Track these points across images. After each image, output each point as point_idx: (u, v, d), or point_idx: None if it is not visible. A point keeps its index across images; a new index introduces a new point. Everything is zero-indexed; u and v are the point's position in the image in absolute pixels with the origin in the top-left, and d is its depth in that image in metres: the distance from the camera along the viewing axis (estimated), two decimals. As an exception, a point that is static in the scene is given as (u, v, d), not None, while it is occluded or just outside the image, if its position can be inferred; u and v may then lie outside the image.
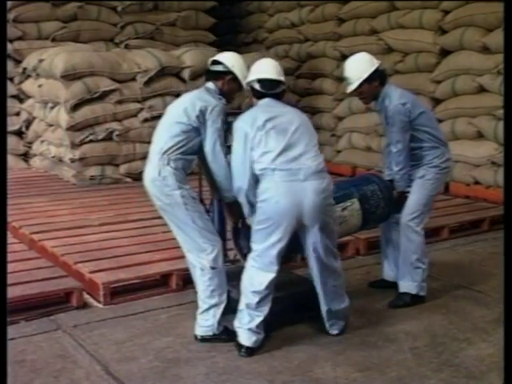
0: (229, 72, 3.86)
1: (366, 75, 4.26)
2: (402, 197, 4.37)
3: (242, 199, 3.70)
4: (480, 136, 7.55)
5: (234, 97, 4.05)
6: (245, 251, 3.95)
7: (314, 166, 3.59)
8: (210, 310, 3.73)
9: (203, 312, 3.76)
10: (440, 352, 3.66)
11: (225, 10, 11.97)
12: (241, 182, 3.66)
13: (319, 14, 9.99)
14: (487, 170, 7.39)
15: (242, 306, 3.64)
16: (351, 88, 4.33)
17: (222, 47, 10.41)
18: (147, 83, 8.24)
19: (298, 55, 10.34)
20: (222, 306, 3.75)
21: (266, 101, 3.75)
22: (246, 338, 3.61)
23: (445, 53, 8.07)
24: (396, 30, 8.64)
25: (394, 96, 4.33)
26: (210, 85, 3.89)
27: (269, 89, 3.75)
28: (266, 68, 3.81)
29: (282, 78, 3.81)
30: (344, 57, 9.31)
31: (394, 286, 4.49)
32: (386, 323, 4.06)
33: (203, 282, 3.73)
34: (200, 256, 3.71)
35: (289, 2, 10.62)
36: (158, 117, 8.47)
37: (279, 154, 3.55)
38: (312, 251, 3.68)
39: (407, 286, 4.36)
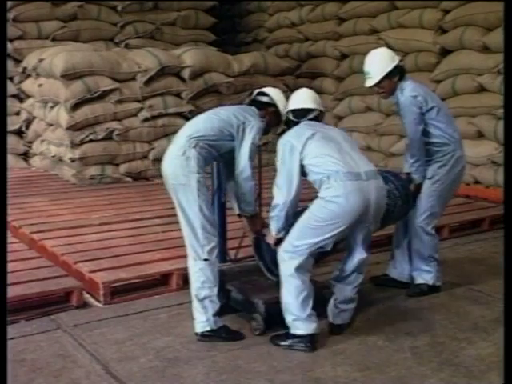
0: (273, 105, 4.07)
1: (387, 70, 4.31)
2: (419, 189, 4.40)
3: (281, 214, 3.73)
4: (480, 135, 7.55)
5: (271, 130, 4.21)
6: (268, 265, 3.99)
7: (371, 167, 3.77)
8: (203, 302, 3.72)
9: (196, 305, 3.74)
10: (440, 351, 3.66)
11: (225, 10, 11.97)
12: (285, 196, 3.71)
13: (319, 13, 10.00)
14: (487, 169, 7.39)
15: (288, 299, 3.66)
16: (372, 82, 4.37)
17: (222, 47, 10.44)
18: (147, 83, 8.24)
19: (298, 55, 10.34)
20: (215, 300, 3.73)
21: (305, 122, 3.90)
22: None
23: (445, 52, 8.07)
24: (396, 29, 8.65)
25: (407, 89, 4.37)
26: (255, 109, 4.05)
27: (301, 117, 3.93)
28: (299, 98, 4.00)
29: (314, 106, 3.96)
30: (344, 56, 9.38)
31: (397, 285, 4.52)
32: (386, 323, 4.06)
33: (194, 273, 3.74)
34: (194, 245, 3.72)
35: (289, 2, 10.63)
36: (158, 116, 8.61)
37: (338, 158, 3.66)
38: (361, 244, 3.81)
39: (423, 277, 4.50)
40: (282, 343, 3.68)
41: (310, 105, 3.97)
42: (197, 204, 3.70)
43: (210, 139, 3.84)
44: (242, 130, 3.87)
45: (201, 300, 3.74)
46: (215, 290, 3.76)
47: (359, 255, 3.83)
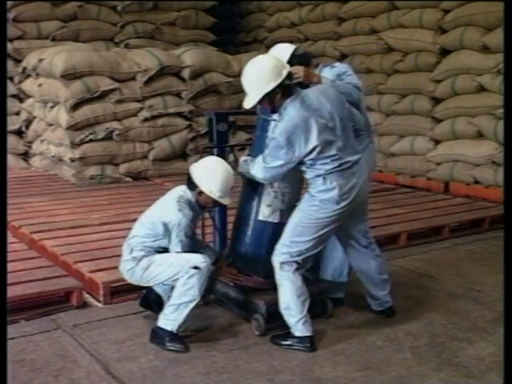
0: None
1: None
2: None
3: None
4: (480, 135, 7.55)
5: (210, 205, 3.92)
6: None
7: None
8: (180, 306, 3.67)
9: (172, 305, 3.68)
10: (440, 351, 3.66)
11: (225, 10, 11.97)
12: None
13: (319, 13, 9.99)
14: (487, 169, 7.39)
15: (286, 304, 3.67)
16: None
17: (222, 47, 10.44)
18: (147, 83, 8.24)
19: (298, 55, 10.32)
20: (191, 306, 3.66)
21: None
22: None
23: (445, 52, 8.07)
24: (396, 29, 8.65)
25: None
26: (185, 192, 3.87)
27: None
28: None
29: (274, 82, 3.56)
30: (344, 56, 9.38)
31: None
32: (386, 323, 4.05)
33: (183, 278, 3.65)
34: (188, 260, 3.68)
35: (289, 2, 10.62)
36: (158, 116, 8.63)
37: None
38: (362, 239, 3.91)
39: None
40: (283, 343, 3.68)
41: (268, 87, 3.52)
42: None
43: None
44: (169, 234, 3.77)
45: (177, 304, 3.67)
46: (197, 297, 3.67)
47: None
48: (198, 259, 3.68)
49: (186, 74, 8.57)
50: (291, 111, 3.52)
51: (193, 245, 3.84)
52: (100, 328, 3.97)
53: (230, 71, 8.86)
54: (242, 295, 4.00)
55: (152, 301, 4.03)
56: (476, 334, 3.89)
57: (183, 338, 3.72)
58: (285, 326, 3.70)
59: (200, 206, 3.85)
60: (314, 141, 3.49)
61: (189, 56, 8.69)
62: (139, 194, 7.33)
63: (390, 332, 3.91)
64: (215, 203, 3.83)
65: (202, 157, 4.28)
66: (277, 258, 3.69)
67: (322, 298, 4.04)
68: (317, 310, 3.95)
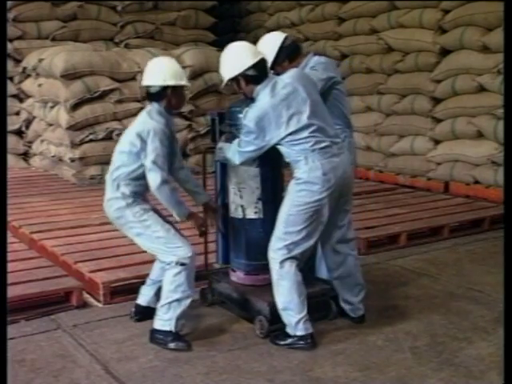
0: (166, 87, 3.77)
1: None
2: None
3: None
4: (480, 135, 7.55)
5: (185, 101, 4.04)
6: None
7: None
8: (172, 304, 3.67)
9: (164, 305, 3.68)
10: (440, 351, 3.66)
11: (225, 10, 11.97)
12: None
13: (319, 13, 9.99)
14: (487, 169, 7.39)
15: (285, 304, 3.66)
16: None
17: (222, 47, 10.39)
18: (147, 83, 8.23)
19: (298, 55, 10.32)
20: (183, 304, 3.67)
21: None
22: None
23: (445, 52, 8.07)
24: (396, 29, 8.64)
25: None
26: (154, 105, 3.81)
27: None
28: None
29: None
30: (344, 56, 9.38)
31: None
32: (386, 323, 4.05)
33: (170, 276, 3.66)
34: (173, 250, 3.67)
35: (289, 2, 10.61)
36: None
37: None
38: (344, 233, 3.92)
39: None
40: (283, 343, 3.68)
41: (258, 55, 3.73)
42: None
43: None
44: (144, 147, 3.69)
45: (170, 303, 3.66)
46: (188, 294, 3.68)
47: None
48: (184, 252, 3.64)
49: (185, 73, 8.55)
50: (262, 98, 3.62)
51: (172, 159, 3.81)
52: (100, 328, 3.97)
53: (230, 71, 8.85)
54: (244, 296, 3.99)
55: (142, 312, 4.00)
56: (476, 334, 3.89)
57: (183, 336, 3.72)
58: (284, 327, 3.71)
59: (171, 110, 3.83)
60: (284, 127, 3.55)
61: (189, 56, 8.69)
62: (139, 193, 7.32)
63: (390, 332, 3.91)
64: (182, 96, 3.89)
65: (203, 157, 4.28)
66: (275, 256, 3.67)
67: (326, 300, 4.03)
68: (321, 311, 3.96)
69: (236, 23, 12.07)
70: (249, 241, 3.99)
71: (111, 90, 8.08)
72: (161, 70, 3.79)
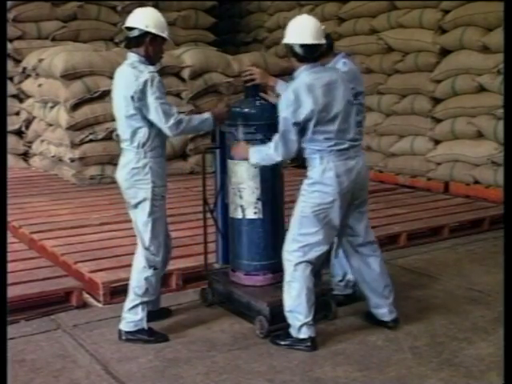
0: (147, 33, 3.71)
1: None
2: None
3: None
4: (480, 135, 7.55)
5: (163, 54, 3.90)
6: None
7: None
8: (140, 305, 3.74)
9: (134, 307, 3.74)
10: (440, 351, 3.66)
11: (225, 10, 11.97)
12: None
13: (319, 13, 9.96)
14: (487, 169, 7.39)
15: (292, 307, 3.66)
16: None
17: (221, 47, 10.43)
18: (147, 83, 8.23)
19: (298, 55, 10.32)
20: (149, 304, 3.82)
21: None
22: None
23: (445, 52, 8.07)
24: (396, 29, 8.64)
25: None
26: (133, 56, 3.71)
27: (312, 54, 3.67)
28: (310, 30, 3.79)
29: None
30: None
31: None
32: (386, 323, 4.06)
33: (141, 279, 3.74)
34: (146, 252, 3.76)
35: (289, 2, 10.62)
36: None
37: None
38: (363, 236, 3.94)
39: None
40: (283, 343, 3.68)
41: (320, 39, 3.69)
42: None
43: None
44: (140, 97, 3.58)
45: (139, 304, 3.74)
46: (154, 295, 3.85)
47: None
48: (158, 257, 3.75)
49: (185, 74, 8.57)
50: (304, 76, 3.61)
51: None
52: (100, 328, 3.97)
53: (230, 71, 8.85)
54: (244, 297, 3.99)
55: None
56: (476, 334, 3.89)
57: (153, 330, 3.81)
58: (286, 328, 3.70)
59: (151, 60, 3.73)
60: (314, 105, 3.51)
61: (189, 56, 8.69)
62: (139, 194, 7.32)
63: (390, 332, 3.91)
64: (161, 49, 3.77)
65: (202, 157, 4.28)
66: (290, 258, 3.65)
67: (326, 300, 4.04)
68: (321, 311, 3.96)
69: (236, 23, 12.07)
70: (248, 241, 4.00)
71: (111, 90, 8.06)
72: (145, 16, 3.78)
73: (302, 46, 3.64)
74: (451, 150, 7.79)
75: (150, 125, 3.63)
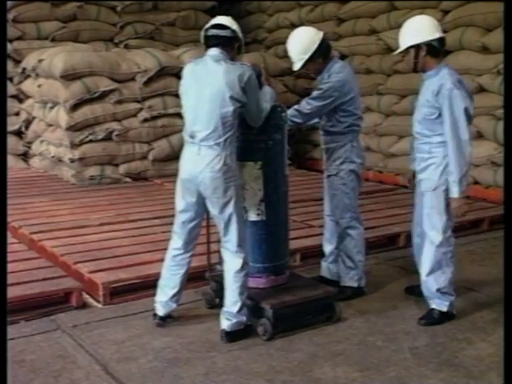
0: (237, 39, 3.80)
1: (307, 55, 4.30)
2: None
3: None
4: (479, 136, 7.54)
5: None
6: None
7: None
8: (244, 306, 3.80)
9: (240, 309, 3.77)
10: (439, 352, 3.66)
11: (224, 10, 11.94)
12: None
13: (319, 13, 9.99)
14: (487, 169, 7.39)
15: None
16: (295, 67, 4.41)
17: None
18: (147, 83, 8.23)
19: (298, 55, 10.32)
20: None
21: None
22: None
23: (444, 52, 8.05)
24: (396, 29, 8.60)
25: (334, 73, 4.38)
26: (220, 51, 3.70)
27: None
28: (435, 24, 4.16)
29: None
30: (343, 56, 9.37)
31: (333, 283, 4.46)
32: (386, 323, 4.06)
33: (239, 281, 3.75)
34: (238, 253, 3.75)
35: (288, 2, 10.61)
36: (158, 117, 8.60)
37: None
38: None
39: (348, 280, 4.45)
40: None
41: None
42: None
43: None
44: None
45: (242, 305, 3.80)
46: None
47: None
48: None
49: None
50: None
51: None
52: (100, 328, 3.97)
53: (230, 71, 8.85)
54: (247, 299, 3.98)
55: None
56: (476, 335, 3.90)
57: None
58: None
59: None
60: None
61: (189, 56, 8.66)
62: (139, 194, 7.33)
63: (389, 332, 3.92)
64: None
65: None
66: (438, 235, 4.28)
67: (330, 302, 4.03)
68: (325, 314, 3.97)
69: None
70: (251, 243, 3.97)
71: (111, 91, 8.07)
72: (235, 23, 3.98)
73: (439, 39, 4.05)
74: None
75: (237, 120, 3.69)
